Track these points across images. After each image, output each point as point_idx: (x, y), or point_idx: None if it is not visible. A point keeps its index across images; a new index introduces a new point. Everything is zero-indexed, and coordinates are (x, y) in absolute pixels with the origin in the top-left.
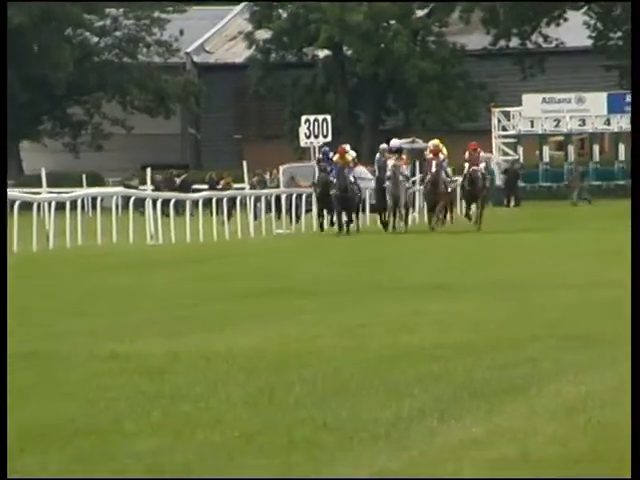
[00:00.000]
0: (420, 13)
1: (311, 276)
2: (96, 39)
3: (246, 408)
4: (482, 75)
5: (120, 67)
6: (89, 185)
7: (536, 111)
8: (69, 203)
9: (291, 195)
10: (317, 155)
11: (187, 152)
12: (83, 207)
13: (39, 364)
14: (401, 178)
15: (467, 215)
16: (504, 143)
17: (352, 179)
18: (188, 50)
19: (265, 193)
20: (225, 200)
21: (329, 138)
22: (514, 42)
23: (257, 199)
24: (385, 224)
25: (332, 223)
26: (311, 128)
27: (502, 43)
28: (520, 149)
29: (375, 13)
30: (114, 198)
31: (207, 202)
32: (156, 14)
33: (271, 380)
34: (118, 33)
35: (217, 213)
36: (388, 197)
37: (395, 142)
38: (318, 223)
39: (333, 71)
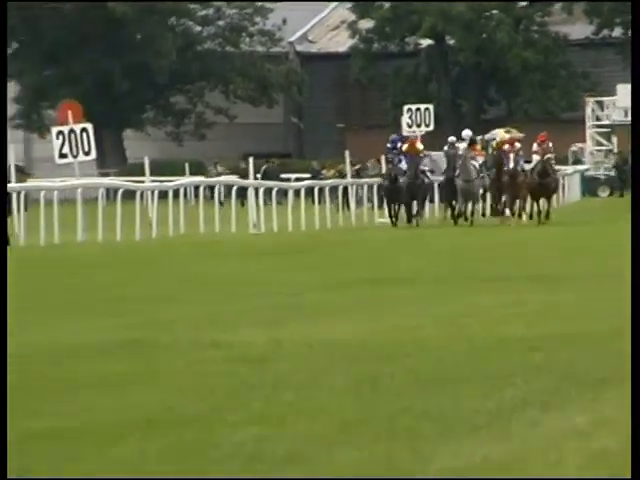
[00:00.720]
0: (522, 3)
1: (411, 266)
2: (199, 28)
3: (348, 397)
4: (585, 65)
5: (223, 56)
6: (192, 174)
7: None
8: (172, 192)
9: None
10: (387, 145)
11: (290, 141)
12: (186, 195)
13: (141, 352)
14: (472, 168)
15: (532, 211)
16: (598, 133)
17: (422, 168)
18: (291, 39)
19: (367, 182)
20: (327, 189)
21: (431, 127)
22: (617, 32)
23: (359, 188)
24: (457, 216)
25: (391, 216)
26: (413, 117)
27: (605, 32)
28: (614, 139)
29: (477, 3)
30: (217, 187)
31: (309, 191)
32: (259, 3)
33: (373, 369)
34: (221, 22)
35: (319, 202)
36: (458, 188)
37: (467, 132)
38: (387, 216)
39: (435, 60)
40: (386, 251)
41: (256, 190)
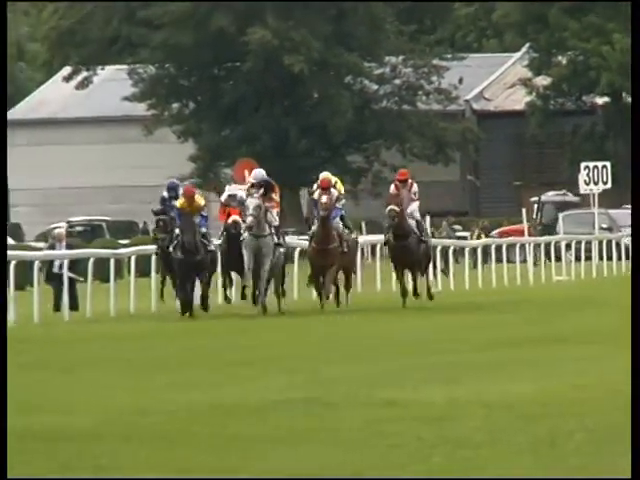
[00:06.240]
0: None
1: (587, 324)
2: (375, 87)
3: (527, 455)
4: None
5: (399, 114)
6: (368, 232)
7: None
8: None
9: (571, 241)
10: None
11: (466, 199)
12: (363, 253)
13: (316, 410)
14: None
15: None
16: None
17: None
18: (467, 97)
19: (544, 240)
20: (504, 247)
21: (609, 185)
22: None
23: (536, 246)
24: None
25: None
26: (590, 175)
27: None
28: None
29: None
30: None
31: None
32: (435, 62)
33: (551, 428)
34: (397, 81)
35: (497, 260)
36: None
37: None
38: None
39: (613, 118)
40: (562, 309)
41: (442, 249)
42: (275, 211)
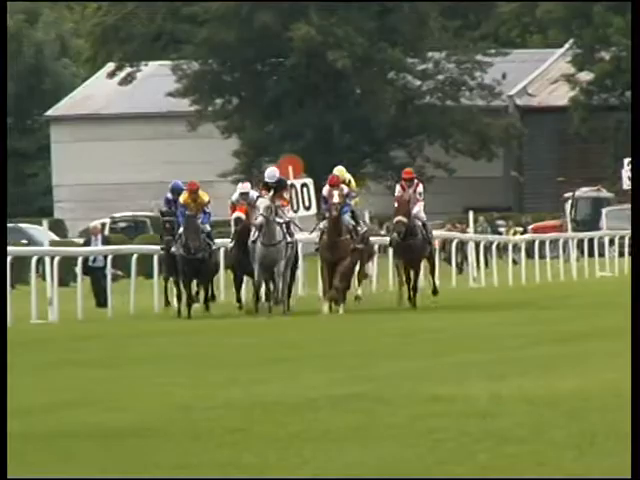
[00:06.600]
0: None
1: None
2: (418, 82)
3: (569, 451)
4: None
5: (442, 110)
6: None
7: None
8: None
9: (614, 237)
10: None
11: (510, 195)
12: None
13: (362, 407)
14: None
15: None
16: None
17: None
18: (511, 93)
19: (587, 236)
20: (547, 242)
21: None
22: None
23: (580, 241)
24: None
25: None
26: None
27: None
28: None
29: None
30: (454, 241)
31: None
32: (479, 57)
33: (594, 423)
34: (440, 77)
35: (540, 256)
36: None
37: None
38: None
39: None
40: (605, 304)
41: (476, 244)
42: (286, 209)
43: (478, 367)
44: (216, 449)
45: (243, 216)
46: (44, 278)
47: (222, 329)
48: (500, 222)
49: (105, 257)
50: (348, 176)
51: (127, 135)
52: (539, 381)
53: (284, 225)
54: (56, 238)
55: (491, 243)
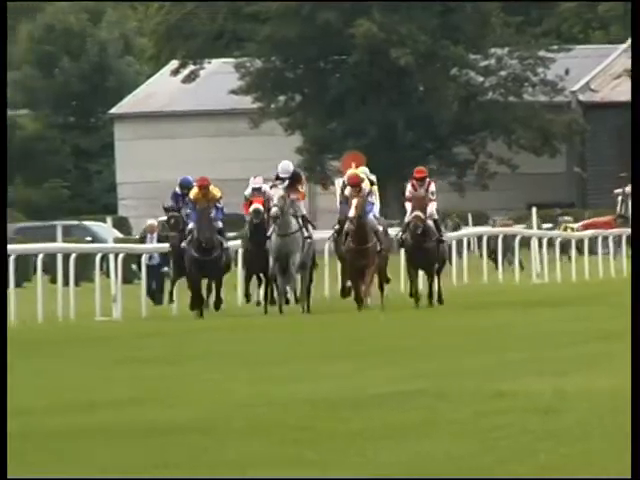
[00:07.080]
0: None
1: None
2: (481, 79)
3: (628, 449)
4: None
5: (505, 106)
6: (474, 224)
7: None
8: (455, 242)
9: None
10: None
11: (573, 191)
12: (469, 246)
13: (426, 402)
14: None
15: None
16: None
17: None
18: (573, 89)
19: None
20: (611, 238)
21: None
22: None
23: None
24: None
25: None
26: None
27: None
28: None
29: None
30: (500, 237)
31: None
32: (541, 53)
33: None
34: (503, 73)
35: (604, 252)
36: None
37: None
38: None
39: None
40: None
41: (539, 240)
42: (302, 203)
43: (540, 363)
44: (278, 446)
45: (262, 208)
46: (108, 275)
47: (280, 326)
48: (567, 218)
49: (162, 255)
50: (373, 177)
51: (190, 133)
52: (600, 377)
53: (300, 218)
54: (120, 235)
55: (554, 239)
